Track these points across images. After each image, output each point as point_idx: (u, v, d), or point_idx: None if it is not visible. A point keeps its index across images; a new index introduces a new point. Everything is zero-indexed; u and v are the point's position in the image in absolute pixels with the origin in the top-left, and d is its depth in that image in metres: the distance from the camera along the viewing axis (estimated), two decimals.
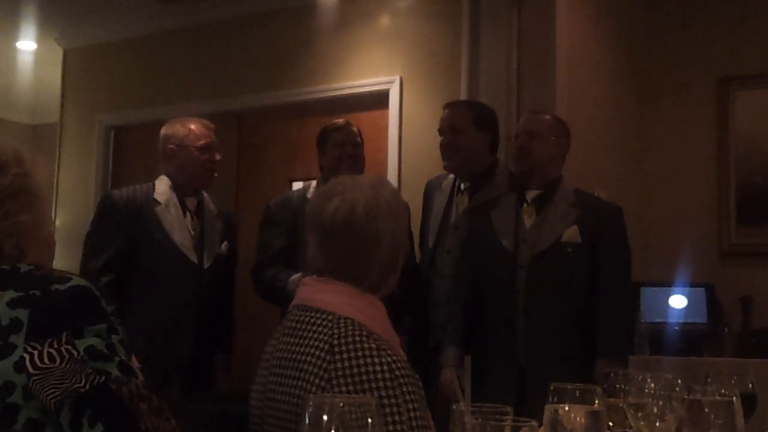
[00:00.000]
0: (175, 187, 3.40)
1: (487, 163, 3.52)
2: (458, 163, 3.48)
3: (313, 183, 3.63)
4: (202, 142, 3.40)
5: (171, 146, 3.40)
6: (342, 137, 3.57)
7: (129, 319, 3.20)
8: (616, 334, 3.06)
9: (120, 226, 3.29)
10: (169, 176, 3.41)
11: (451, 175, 3.60)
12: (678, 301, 4.31)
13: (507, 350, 3.12)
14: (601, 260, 3.11)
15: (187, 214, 3.40)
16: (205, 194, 3.52)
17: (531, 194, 3.22)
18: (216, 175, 3.51)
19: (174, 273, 3.33)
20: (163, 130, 3.45)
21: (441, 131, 3.52)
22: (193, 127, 3.41)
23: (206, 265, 3.40)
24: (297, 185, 4.67)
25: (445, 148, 3.49)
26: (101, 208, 3.41)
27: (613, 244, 3.15)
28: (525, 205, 3.21)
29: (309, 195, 3.51)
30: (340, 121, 3.69)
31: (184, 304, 3.35)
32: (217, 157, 3.45)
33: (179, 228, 3.35)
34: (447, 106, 3.64)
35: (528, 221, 3.19)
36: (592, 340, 3.05)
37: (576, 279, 3.11)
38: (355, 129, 3.63)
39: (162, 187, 3.39)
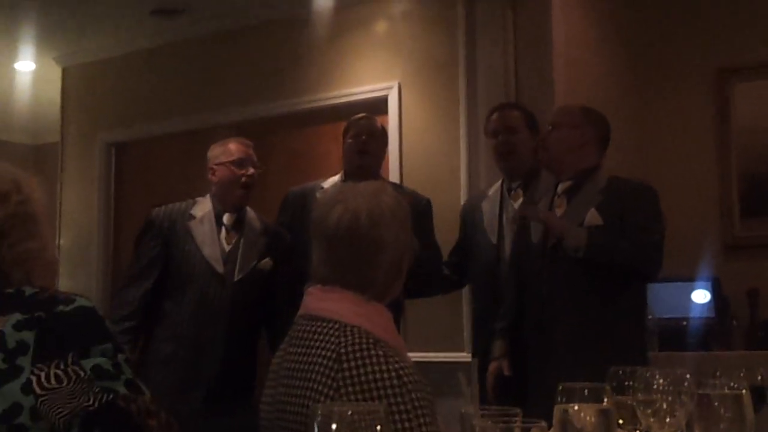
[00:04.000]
0: (215, 204, 3.53)
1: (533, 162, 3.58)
2: (515, 163, 3.55)
3: (335, 177, 3.68)
4: (235, 156, 3.52)
5: (212, 166, 3.56)
6: (358, 129, 3.65)
7: (159, 328, 3.40)
8: (603, 238, 2.95)
9: (155, 239, 3.48)
10: (211, 194, 3.57)
11: (496, 184, 3.63)
12: (685, 296, 4.29)
13: (536, 350, 3.05)
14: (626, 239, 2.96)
15: (223, 229, 3.50)
16: (250, 211, 3.59)
17: (563, 186, 3.14)
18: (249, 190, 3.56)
19: (202, 284, 3.41)
20: (208, 153, 3.62)
21: (496, 132, 3.55)
22: (230, 145, 3.57)
23: (236, 277, 3.45)
24: None
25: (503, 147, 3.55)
26: (142, 226, 3.58)
27: (637, 222, 2.98)
28: (556, 197, 3.14)
29: (324, 184, 3.62)
30: (362, 114, 3.77)
31: (212, 314, 3.40)
32: (251, 170, 3.52)
33: (210, 241, 3.46)
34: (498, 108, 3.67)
35: (558, 213, 3.10)
36: (621, 333, 2.95)
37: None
38: (374, 123, 3.70)
39: (202, 203, 3.55)
